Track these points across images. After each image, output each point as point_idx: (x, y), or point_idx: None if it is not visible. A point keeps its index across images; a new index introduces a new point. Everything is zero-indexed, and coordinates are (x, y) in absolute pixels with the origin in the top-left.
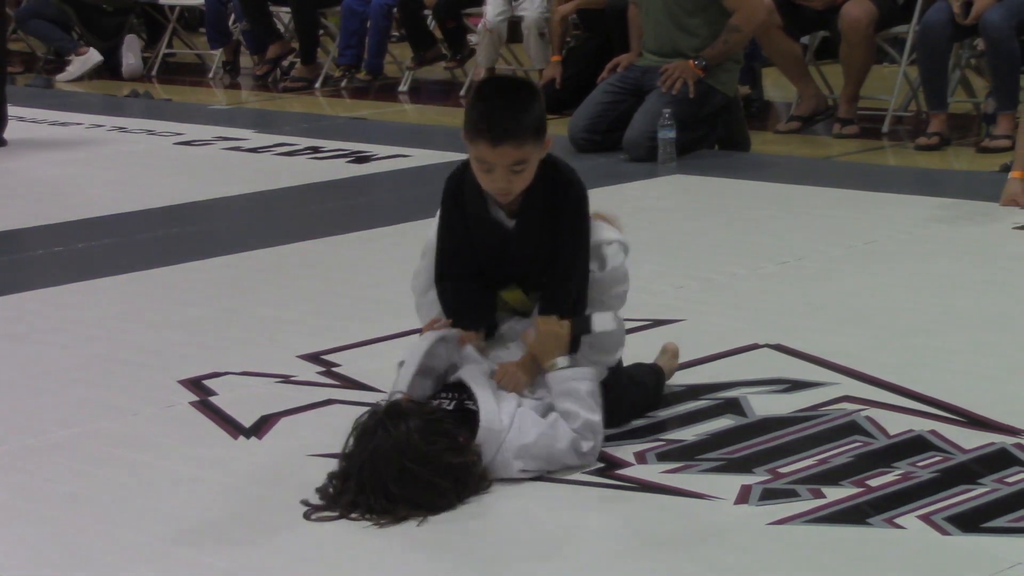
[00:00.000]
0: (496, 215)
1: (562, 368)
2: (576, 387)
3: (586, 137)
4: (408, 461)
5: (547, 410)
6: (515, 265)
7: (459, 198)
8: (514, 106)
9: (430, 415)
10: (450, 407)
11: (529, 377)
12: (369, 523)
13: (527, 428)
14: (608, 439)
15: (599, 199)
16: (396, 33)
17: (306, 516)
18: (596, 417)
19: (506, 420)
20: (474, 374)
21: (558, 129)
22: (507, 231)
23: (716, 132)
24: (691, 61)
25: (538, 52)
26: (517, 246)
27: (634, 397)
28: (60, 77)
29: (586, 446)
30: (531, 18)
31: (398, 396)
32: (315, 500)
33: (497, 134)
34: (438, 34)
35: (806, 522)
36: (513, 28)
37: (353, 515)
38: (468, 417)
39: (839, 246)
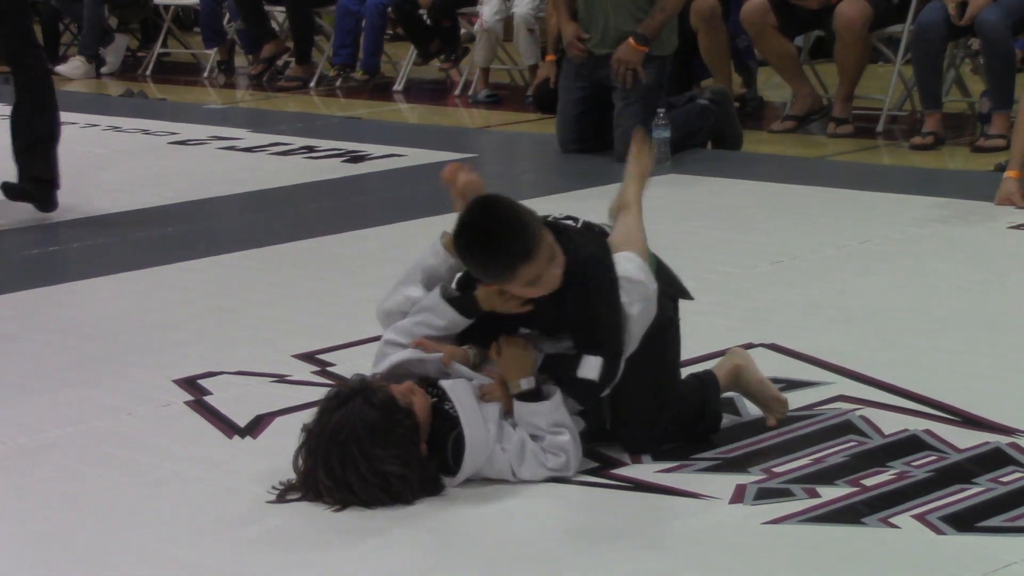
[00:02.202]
0: None
1: (525, 390)
2: (535, 423)
3: (576, 148)
4: (356, 449)
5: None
6: (532, 329)
7: None
8: (494, 252)
9: (397, 417)
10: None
11: (508, 399)
12: (324, 506)
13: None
14: (604, 439)
15: (594, 199)
16: (390, 32)
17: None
18: (562, 437)
19: (493, 429)
20: (457, 386)
21: (552, 129)
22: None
23: (708, 129)
24: (631, 40)
25: (527, 48)
26: (533, 321)
27: (665, 422)
28: (104, 70)
29: (554, 462)
30: (520, 14)
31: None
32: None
33: (525, 253)
34: None
35: (801, 521)
36: (508, 27)
37: (303, 490)
38: (446, 422)
39: (834, 246)
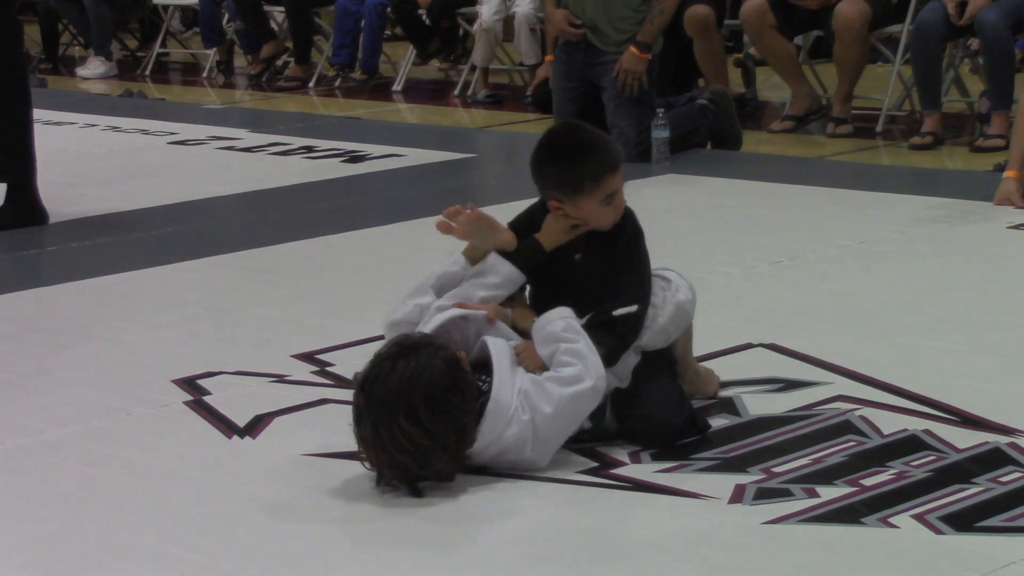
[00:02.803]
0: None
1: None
2: (551, 330)
3: None
4: (441, 395)
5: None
6: (580, 300)
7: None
8: (584, 159)
9: (459, 372)
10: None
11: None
12: (369, 468)
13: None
14: (601, 439)
15: None
16: (389, 32)
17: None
18: (577, 344)
19: (516, 399)
20: (498, 345)
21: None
22: (574, 264)
23: (707, 128)
24: (632, 48)
25: (529, 47)
26: (583, 280)
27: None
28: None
29: (568, 371)
30: (522, 14)
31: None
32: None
33: (613, 164)
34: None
35: (800, 521)
36: (508, 27)
37: (366, 446)
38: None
39: (833, 246)
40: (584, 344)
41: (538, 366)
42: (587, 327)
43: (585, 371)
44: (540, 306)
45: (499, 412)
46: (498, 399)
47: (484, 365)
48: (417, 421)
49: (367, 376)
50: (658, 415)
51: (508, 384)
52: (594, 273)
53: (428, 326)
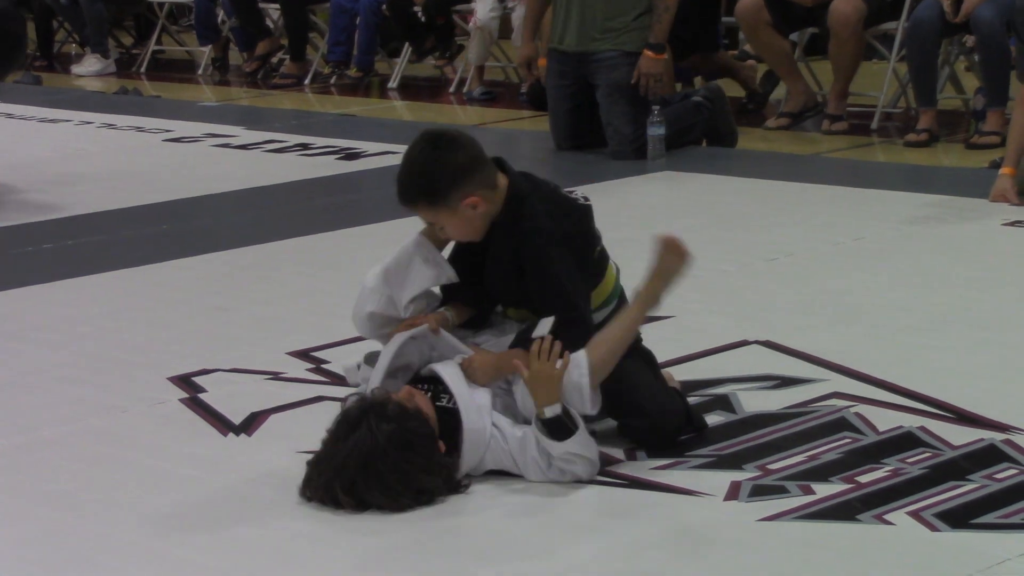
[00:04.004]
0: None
1: (549, 417)
2: (548, 451)
3: (570, 145)
4: (381, 466)
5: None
6: (493, 291)
7: None
8: (405, 176)
9: (412, 425)
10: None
11: (499, 376)
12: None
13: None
14: (598, 437)
15: (591, 197)
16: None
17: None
18: (574, 467)
19: (486, 418)
20: (449, 370)
21: (547, 126)
22: (481, 259)
23: (702, 125)
24: (647, 52)
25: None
26: (487, 275)
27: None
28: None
29: (559, 475)
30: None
31: (380, 392)
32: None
33: (402, 200)
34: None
35: (796, 518)
36: (504, 25)
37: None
38: (449, 417)
39: (828, 242)
40: (581, 467)
41: (490, 379)
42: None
43: (580, 473)
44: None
45: (475, 439)
46: (471, 427)
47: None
48: (359, 497)
49: (317, 456)
50: (654, 413)
51: (475, 412)
52: (498, 273)
53: (384, 358)
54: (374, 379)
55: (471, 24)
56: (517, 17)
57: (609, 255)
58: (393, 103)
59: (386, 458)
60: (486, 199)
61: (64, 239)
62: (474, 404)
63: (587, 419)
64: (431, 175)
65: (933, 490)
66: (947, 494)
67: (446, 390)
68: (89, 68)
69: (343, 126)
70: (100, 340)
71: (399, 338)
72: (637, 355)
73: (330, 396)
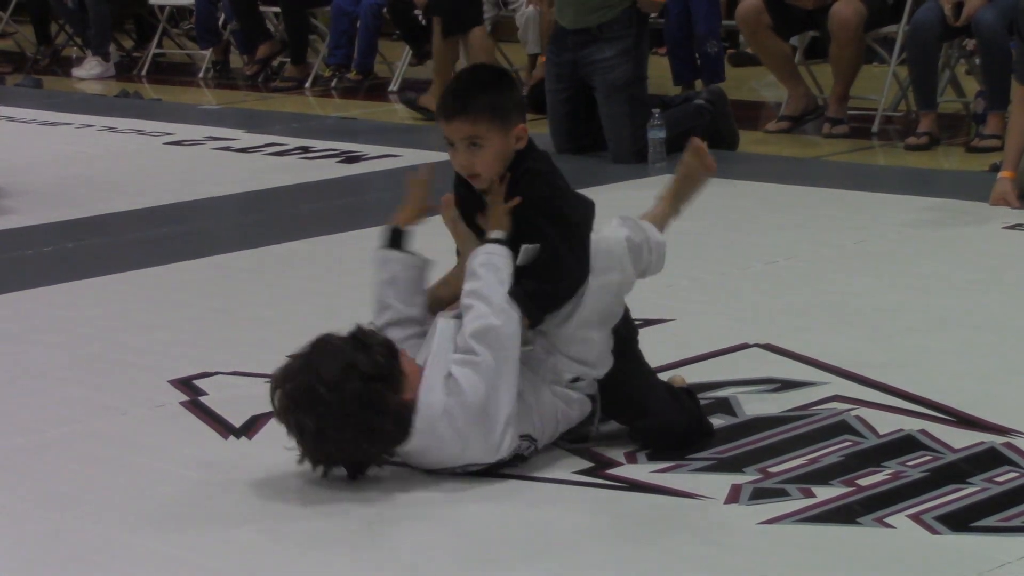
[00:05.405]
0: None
1: (494, 238)
2: (470, 264)
3: (570, 148)
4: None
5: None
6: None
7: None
8: (473, 86)
9: (387, 362)
10: None
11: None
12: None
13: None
14: (598, 438)
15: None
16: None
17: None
18: (479, 283)
19: (439, 399)
20: (439, 326)
21: (547, 129)
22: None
23: (703, 129)
24: None
25: (535, 38)
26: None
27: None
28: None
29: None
30: (531, 15)
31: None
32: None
33: (450, 110)
34: None
35: (796, 521)
36: (504, 27)
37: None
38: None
39: (829, 246)
40: (488, 283)
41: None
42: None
43: (488, 311)
44: None
45: (425, 413)
46: (424, 399)
47: None
48: (299, 409)
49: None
50: (662, 417)
51: (437, 384)
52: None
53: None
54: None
55: None
56: (520, 17)
57: None
58: (393, 106)
59: (348, 378)
60: (524, 139)
61: (65, 242)
62: (437, 379)
63: (588, 422)
64: (501, 91)
65: (933, 493)
66: (947, 497)
67: None
68: (90, 71)
69: (344, 129)
70: (101, 343)
71: (447, 327)
72: (639, 356)
73: None
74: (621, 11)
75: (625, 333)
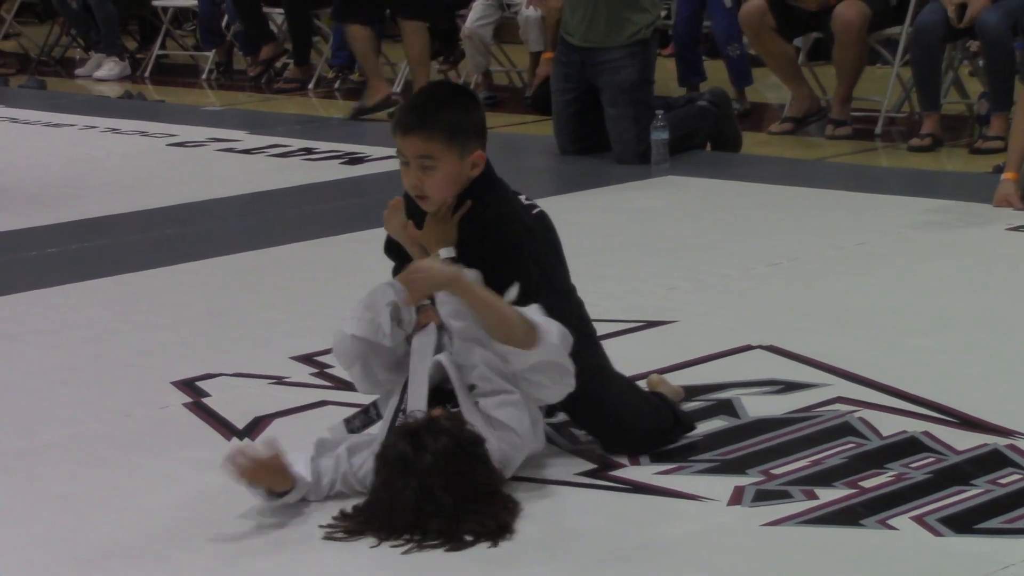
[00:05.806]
0: None
1: (445, 259)
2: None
3: (574, 149)
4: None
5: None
6: None
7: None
8: (432, 102)
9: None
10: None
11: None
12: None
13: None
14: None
15: (592, 201)
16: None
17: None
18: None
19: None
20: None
21: (551, 130)
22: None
23: (706, 130)
24: None
25: (537, 37)
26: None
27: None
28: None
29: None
30: (533, 17)
31: (419, 414)
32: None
33: (405, 124)
34: None
35: (799, 523)
36: (507, 28)
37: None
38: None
39: (832, 247)
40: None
41: (423, 294)
42: None
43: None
44: None
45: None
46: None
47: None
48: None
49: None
50: (632, 422)
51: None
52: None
53: (420, 378)
54: (415, 402)
55: (462, 34)
56: (521, 18)
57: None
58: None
59: (471, 466)
60: (480, 166)
61: (68, 243)
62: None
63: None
64: (463, 111)
65: (937, 495)
66: (951, 499)
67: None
68: (109, 72)
69: (347, 130)
70: (104, 344)
71: (427, 356)
72: (605, 367)
73: (334, 401)
74: (628, 35)
75: (585, 336)
